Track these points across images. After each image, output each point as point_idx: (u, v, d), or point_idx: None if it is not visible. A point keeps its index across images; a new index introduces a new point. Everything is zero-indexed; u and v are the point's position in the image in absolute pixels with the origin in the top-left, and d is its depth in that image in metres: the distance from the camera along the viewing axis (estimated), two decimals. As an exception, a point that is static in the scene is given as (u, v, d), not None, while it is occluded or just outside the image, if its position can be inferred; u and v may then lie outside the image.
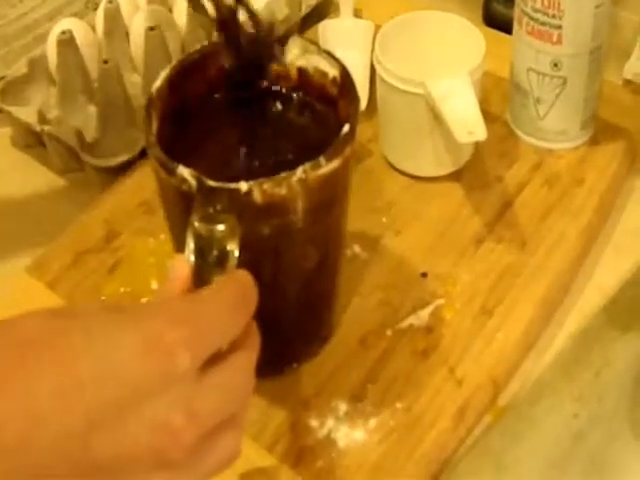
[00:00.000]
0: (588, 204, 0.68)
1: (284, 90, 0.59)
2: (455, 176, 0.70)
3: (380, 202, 0.69)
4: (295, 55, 0.59)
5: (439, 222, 0.67)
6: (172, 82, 0.57)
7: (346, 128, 0.52)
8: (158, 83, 0.56)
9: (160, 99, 0.56)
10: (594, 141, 0.72)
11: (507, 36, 0.75)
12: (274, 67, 0.59)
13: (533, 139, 0.72)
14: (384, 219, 0.68)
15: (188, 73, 0.57)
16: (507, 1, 0.83)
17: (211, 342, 0.42)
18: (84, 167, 0.74)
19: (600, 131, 0.72)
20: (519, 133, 0.73)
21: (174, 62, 0.58)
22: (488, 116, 0.71)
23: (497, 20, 0.85)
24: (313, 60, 0.58)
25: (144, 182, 0.69)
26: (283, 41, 0.59)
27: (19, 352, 0.38)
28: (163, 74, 0.57)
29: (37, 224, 0.73)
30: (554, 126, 0.71)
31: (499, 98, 0.75)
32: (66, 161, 0.76)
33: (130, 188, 0.71)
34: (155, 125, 0.54)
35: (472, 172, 0.70)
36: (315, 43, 0.58)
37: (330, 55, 0.57)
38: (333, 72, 0.57)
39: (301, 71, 0.58)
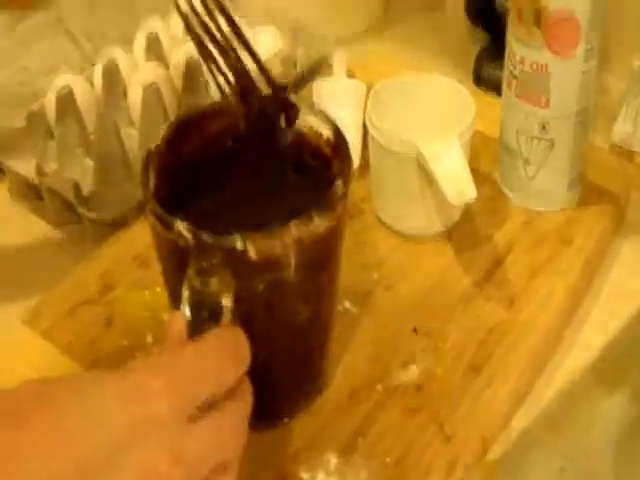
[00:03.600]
0: (576, 264, 0.69)
1: (279, 148, 0.61)
2: (446, 235, 0.71)
3: (371, 259, 0.70)
4: (290, 115, 0.60)
5: (429, 279, 0.68)
6: (170, 139, 0.58)
7: (339, 185, 0.54)
8: (156, 140, 0.57)
9: (158, 155, 0.57)
10: (582, 202, 0.74)
11: (496, 97, 0.77)
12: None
13: (522, 199, 0.73)
14: (375, 275, 0.69)
15: (186, 130, 0.59)
16: (496, 62, 0.85)
17: (194, 391, 0.44)
18: (81, 220, 0.76)
19: (587, 193, 0.74)
20: (508, 193, 0.74)
21: (172, 119, 0.59)
22: (478, 176, 0.73)
23: (487, 80, 0.87)
24: (308, 120, 0.59)
25: (139, 235, 0.70)
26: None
27: (13, 415, 0.40)
28: (161, 131, 0.58)
29: (33, 275, 0.74)
30: (542, 187, 0.72)
31: (488, 158, 0.76)
32: (63, 214, 0.77)
33: (125, 241, 0.72)
34: (152, 180, 0.56)
35: (462, 231, 0.72)
36: (310, 105, 0.60)
37: (324, 116, 0.59)
38: (327, 132, 0.58)
39: (296, 131, 0.60)
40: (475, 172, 0.72)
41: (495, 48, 0.89)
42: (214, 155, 0.60)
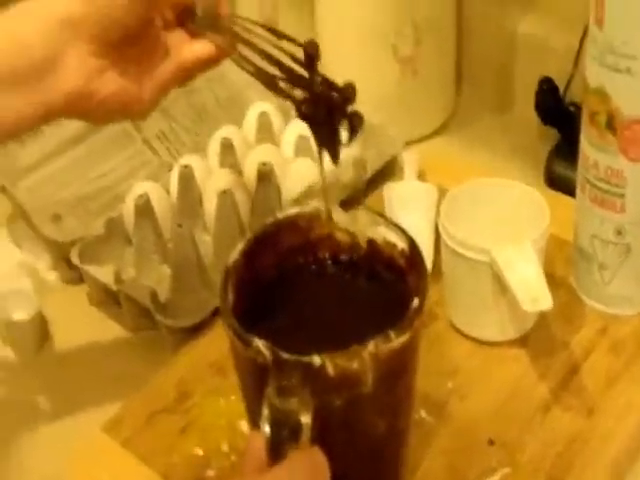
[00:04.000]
0: (654, 370, 0.68)
1: (354, 260, 0.62)
2: (521, 341, 0.71)
3: (446, 366, 0.70)
4: (364, 226, 0.61)
5: (505, 388, 0.68)
6: (247, 254, 0.59)
7: (415, 302, 0.54)
8: (234, 256, 0.58)
9: (236, 271, 0.58)
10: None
11: (570, 198, 0.77)
12: (343, 237, 0.61)
13: (598, 304, 0.73)
14: (450, 384, 0.68)
15: (262, 245, 0.60)
16: (568, 162, 0.85)
17: None
18: (157, 326, 0.77)
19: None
20: (584, 298, 0.74)
21: (249, 235, 0.60)
22: (553, 280, 0.73)
23: (559, 181, 0.87)
24: (382, 231, 0.60)
25: (215, 343, 0.71)
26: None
27: None
28: (239, 247, 0.59)
29: (111, 382, 0.75)
30: (619, 292, 0.72)
31: (563, 261, 0.76)
32: (140, 320, 0.78)
33: (202, 349, 0.73)
34: (231, 296, 0.57)
35: (538, 337, 0.71)
36: (383, 215, 0.61)
37: (398, 227, 0.60)
38: (402, 244, 0.59)
39: (370, 242, 0.61)
40: (550, 276, 0.72)
41: (566, 147, 0.89)
42: (290, 269, 0.61)
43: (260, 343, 0.52)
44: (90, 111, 0.62)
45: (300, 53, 0.60)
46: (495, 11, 0.99)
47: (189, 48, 0.64)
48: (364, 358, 0.51)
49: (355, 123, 0.59)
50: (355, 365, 0.52)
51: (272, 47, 0.60)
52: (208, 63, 0.65)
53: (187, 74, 0.65)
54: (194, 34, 0.65)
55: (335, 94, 0.58)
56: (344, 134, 0.59)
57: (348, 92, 0.59)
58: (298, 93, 0.60)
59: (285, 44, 0.61)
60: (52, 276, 0.85)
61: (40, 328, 0.80)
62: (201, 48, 0.64)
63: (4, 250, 0.86)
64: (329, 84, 0.59)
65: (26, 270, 0.84)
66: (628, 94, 0.64)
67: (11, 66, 0.58)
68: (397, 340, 0.52)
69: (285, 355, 0.51)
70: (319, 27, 0.97)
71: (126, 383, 0.73)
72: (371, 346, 0.52)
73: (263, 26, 0.62)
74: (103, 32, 0.60)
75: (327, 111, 0.59)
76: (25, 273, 0.84)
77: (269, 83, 0.61)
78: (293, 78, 0.59)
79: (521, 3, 0.97)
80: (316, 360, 0.51)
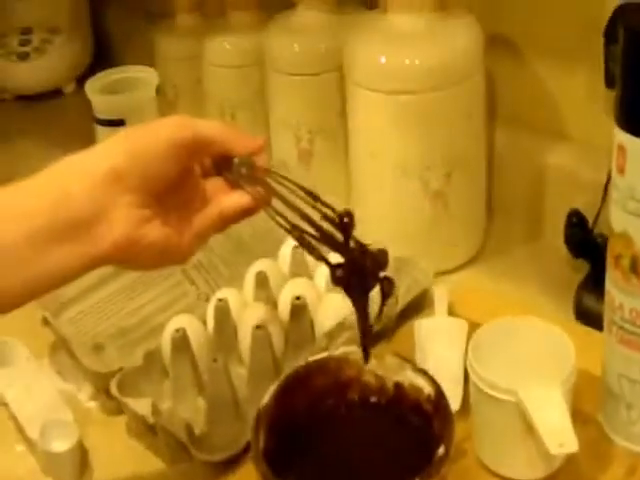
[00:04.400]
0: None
1: (381, 403, 0.63)
2: (549, 478, 0.71)
3: (477, 506, 0.70)
4: (392, 370, 0.63)
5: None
6: (278, 398, 0.61)
7: (441, 450, 0.55)
8: (266, 399, 0.60)
9: (267, 414, 0.60)
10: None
11: (599, 333, 0.78)
12: (371, 380, 0.63)
13: (627, 443, 0.73)
14: (480, 523, 0.69)
15: (293, 389, 0.62)
16: (598, 295, 0.86)
17: None
18: (193, 459, 0.78)
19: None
20: (613, 436, 0.74)
21: (281, 378, 0.62)
22: (580, 416, 0.74)
23: (588, 315, 0.88)
24: (409, 375, 0.62)
25: (247, 477, 0.72)
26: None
27: None
28: (270, 390, 0.61)
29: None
30: (646, 431, 0.72)
31: (592, 397, 0.76)
32: (176, 452, 0.79)
33: (234, 483, 0.75)
34: (262, 440, 0.59)
35: (566, 475, 0.71)
36: (411, 360, 0.63)
37: (425, 372, 0.62)
38: (428, 389, 0.61)
39: (397, 385, 0.63)
40: (578, 412, 0.73)
41: (596, 279, 0.90)
42: (320, 412, 0.63)
43: (289, 488, 0.54)
44: (132, 259, 0.65)
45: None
46: (525, 143, 1.02)
47: (228, 199, 0.67)
48: (391, 506, 0.53)
49: (386, 288, 0.62)
50: (382, 513, 0.53)
51: (306, 204, 0.63)
52: (245, 214, 0.68)
53: (225, 223, 0.68)
54: (231, 183, 0.68)
55: (368, 261, 0.61)
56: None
57: (380, 259, 0.61)
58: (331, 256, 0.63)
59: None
60: (93, 406, 0.87)
61: (80, 458, 0.81)
62: (239, 199, 0.67)
63: (46, 380, 0.89)
64: (363, 250, 0.61)
65: (67, 400, 0.86)
66: (651, 239, 0.66)
67: (59, 221, 0.62)
68: (424, 488, 0.54)
69: (311, 501, 0.53)
70: (351, 160, 1.00)
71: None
72: (399, 495, 0.53)
73: (301, 187, 0.65)
74: (146, 184, 0.64)
75: (360, 277, 0.61)
76: (66, 403, 0.86)
77: (303, 242, 0.63)
78: (327, 240, 0.62)
79: (551, 136, 1.01)
80: (342, 510, 0.52)
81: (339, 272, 0.62)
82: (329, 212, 0.62)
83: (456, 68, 0.92)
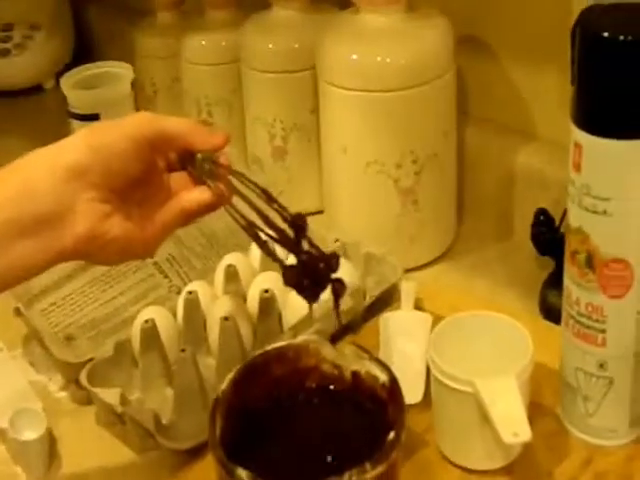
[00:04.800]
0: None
1: (339, 391, 0.65)
2: (507, 470, 0.73)
3: (433, 494, 0.72)
4: (350, 359, 0.64)
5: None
6: (237, 384, 0.62)
7: (392, 435, 0.57)
8: (224, 386, 0.62)
9: (225, 401, 0.61)
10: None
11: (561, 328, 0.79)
12: (330, 369, 0.65)
13: (583, 435, 0.75)
14: (436, 512, 0.70)
15: (252, 376, 0.63)
16: (561, 293, 0.87)
17: None
18: (160, 447, 0.79)
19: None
20: (570, 428, 0.75)
21: (239, 366, 0.63)
22: (539, 409, 0.75)
23: (552, 311, 0.90)
24: (366, 365, 0.63)
25: (212, 466, 0.73)
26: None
27: None
28: (228, 377, 0.62)
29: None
30: (603, 424, 0.73)
31: (551, 391, 0.78)
32: (145, 440, 0.81)
33: (200, 472, 0.75)
34: (219, 425, 0.60)
35: (523, 466, 0.73)
36: (367, 350, 0.64)
37: (380, 362, 0.63)
38: (383, 377, 0.62)
39: (355, 374, 0.64)
40: (538, 406, 0.75)
41: (560, 276, 0.91)
42: (278, 398, 0.64)
43: (243, 473, 0.55)
44: (96, 254, 0.66)
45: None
46: (495, 142, 1.03)
47: (189, 194, 0.68)
48: (341, 490, 0.54)
49: (338, 289, 0.63)
50: (332, 496, 0.54)
51: (265, 205, 0.64)
52: (206, 210, 0.69)
53: (187, 219, 0.69)
54: (194, 178, 0.69)
55: (320, 263, 0.63)
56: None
57: (332, 261, 0.63)
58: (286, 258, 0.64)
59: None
60: (63, 396, 0.88)
61: (49, 447, 0.82)
62: (199, 195, 0.68)
63: (17, 371, 0.90)
64: (315, 255, 0.63)
65: (38, 390, 0.88)
66: (606, 234, 0.68)
67: (23, 215, 0.63)
68: (373, 471, 0.55)
69: (265, 485, 0.54)
70: (323, 157, 1.02)
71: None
72: (347, 477, 0.54)
73: (259, 187, 0.66)
74: (108, 180, 0.65)
75: (311, 279, 0.63)
76: (37, 393, 0.87)
77: (258, 241, 0.65)
78: (282, 240, 0.63)
79: (521, 135, 1.02)
80: (294, 492, 0.54)
81: (290, 274, 0.63)
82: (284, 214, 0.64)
83: (427, 67, 0.93)
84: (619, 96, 0.64)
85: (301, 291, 0.64)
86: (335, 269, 0.63)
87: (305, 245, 0.63)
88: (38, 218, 0.63)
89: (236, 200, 0.67)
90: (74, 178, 0.63)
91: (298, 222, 0.63)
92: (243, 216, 0.65)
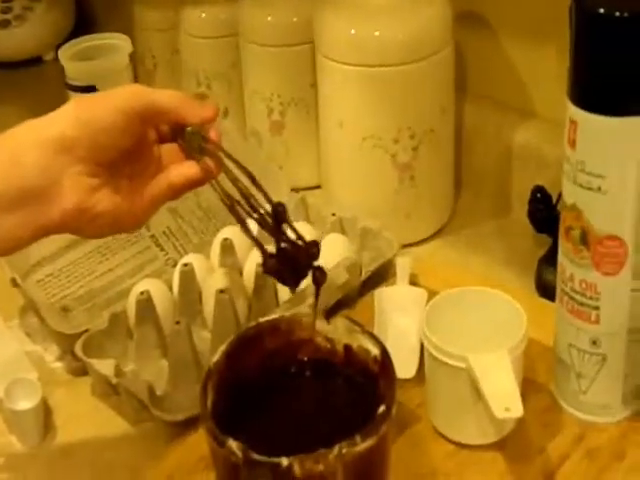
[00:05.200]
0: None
1: (331, 364, 0.65)
2: (500, 445, 0.73)
3: (425, 468, 0.72)
4: (342, 333, 0.64)
5: (481, 493, 0.70)
6: (229, 356, 0.62)
7: (382, 409, 0.57)
8: (216, 357, 0.62)
9: (217, 372, 0.61)
10: (636, 415, 0.75)
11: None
12: (323, 342, 0.65)
13: (576, 411, 0.75)
14: (428, 486, 0.71)
15: (245, 348, 0.63)
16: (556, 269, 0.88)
17: None
18: (155, 418, 0.80)
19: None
20: (563, 404, 0.76)
21: (231, 338, 0.63)
22: (533, 385, 0.76)
23: (548, 288, 0.90)
24: (358, 338, 0.64)
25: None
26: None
27: None
28: (221, 349, 0.63)
29: (110, 472, 0.78)
30: (595, 400, 0.74)
31: (545, 367, 0.78)
32: (139, 412, 0.81)
33: (193, 443, 0.76)
34: (211, 397, 0.60)
35: (515, 441, 0.73)
36: (359, 324, 0.64)
37: (373, 335, 0.63)
38: (375, 351, 0.62)
39: (347, 347, 0.64)
40: (531, 382, 0.75)
41: (556, 253, 0.92)
42: (270, 371, 0.64)
43: (234, 444, 0.55)
44: (83, 227, 0.66)
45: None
46: (493, 119, 1.03)
47: (176, 170, 0.68)
48: (330, 461, 0.54)
49: (318, 277, 0.63)
50: (321, 467, 0.55)
51: (251, 186, 0.64)
52: (193, 185, 0.68)
53: (175, 193, 0.69)
54: (184, 151, 0.68)
55: (301, 251, 0.62)
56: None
57: (312, 250, 0.63)
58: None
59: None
60: (58, 367, 0.89)
61: (44, 417, 0.83)
62: (187, 169, 0.67)
63: (13, 341, 0.90)
64: (295, 244, 0.63)
65: (34, 361, 0.88)
66: (599, 211, 0.68)
67: (10, 189, 0.63)
68: (363, 444, 0.55)
69: (255, 456, 0.54)
70: (321, 130, 1.02)
71: (125, 474, 0.76)
72: (337, 449, 0.55)
73: (243, 168, 0.65)
74: (96, 153, 0.64)
75: (291, 267, 0.63)
76: (33, 364, 0.87)
77: (242, 223, 0.64)
78: (263, 224, 0.63)
79: (519, 112, 1.02)
80: (284, 462, 0.54)
81: (270, 263, 0.63)
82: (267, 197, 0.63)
83: (425, 42, 0.93)
84: (614, 73, 0.63)
85: (281, 279, 0.64)
86: (316, 257, 0.63)
87: (288, 231, 0.63)
88: (25, 191, 0.63)
89: (223, 178, 0.66)
90: (62, 151, 0.63)
91: (277, 208, 0.63)
92: (228, 195, 0.65)
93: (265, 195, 0.63)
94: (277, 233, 0.63)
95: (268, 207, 0.63)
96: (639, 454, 0.71)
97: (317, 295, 0.65)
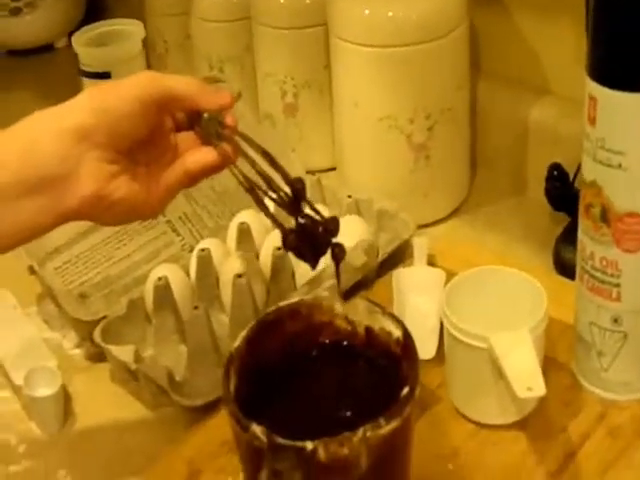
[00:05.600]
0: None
1: (352, 346, 0.65)
2: (521, 424, 0.73)
3: (446, 449, 0.72)
4: (362, 314, 0.64)
5: (503, 471, 0.69)
6: (250, 341, 0.62)
7: (405, 391, 0.57)
8: (237, 343, 0.62)
9: (239, 357, 0.61)
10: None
11: (575, 284, 0.79)
12: (343, 324, 0.65)
13: (597, 389, 0.75)
14: (450, 466, 0.70)
15: (265, 333, 0.63)
16: (576, 248, 0.86)
17: None
18: (174, 404, 0.80)
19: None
20: (584, 383, 0.75)
21: (252, 323, 0.63)
22: (554, 364, 0.75)
23: (566, 266, 0.89)
24: (379, 320, 0.63)
25: (227, 422, 0.74)
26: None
27: None
28: (242, 334, 0.62)
29: (130, 458, 0.78)
30: (617, 378, 0.73)
31: (566, 346, 0.78)
32: (158, 397, 0.81)
33: (214, 428, 0.76)
34: (233, 382, 0.60)
35: (537, 420, 0.73)
36: (380, 305, 0.64)
37: (394, 317, 0.63)
38: (397, 333, 0.62)
39: (368, 330, 0.64)
40: (551, 361, 0.75)
41: (574, 231, 0.91)
42: (291, 355, 0.64)
43: (257, 428, 0.55)
44: (101, 214, 0.66)
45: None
46: (509, 97, 1.02)
47: (192, 157, 0.67)
48: (354, 444, 0.54)
49: (337, 254, 0.63)
50: (346, 450, 0.54)
51: (269, 167, 0.64)
52: (210, 171, 0.68)
53: (192, 180, 0.68)
54: (201, 138, 0.68)
55: (320, 227, 0.62)
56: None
57: (332, 226, 0.62)
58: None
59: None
60: (77, 353, 0.89)
61: (63, 404, 0.83)
62: (204, 156, 0.67)
63: (32, 328, 0.90)
64: (314, 220, 0.62)
65: (52, 348, 0.88)
66: (620, 188, 0.67)
67: (28, 176, 0.62)
68: (387, 427, 0.55)
69: (279, 440, 0.54)
70: (335, 111, 1.01)
71: (144, 459, 0.76)
72: (361, 432, 0.54)
73: (261, 149, 0.65)
74: (113, 141, 0.64)
75: (311, 243, 0.62)
76: (51, 350, 0.87)
77: (261, 204, 0.64)
78: (283, 204, 0.63)
79: (534, 89, 1.01)
80: (308, 445, 0.54)
81: (290, 239, 0.63)
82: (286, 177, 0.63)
83: (440, 21, 0.92)
84: (634, 48, 0.63)
85: (301, 256, 0.63)
86: (335, 234, 0.63)
87: (306, 209, 0.63)
88: (44, 179, 0.63)
89: (240, 161, 0.66)
90: (80, 140, 0.63)
91: (297, 185, 0.62)
92: (247, 178, 0.65)
93: (285, 174, 0.63)
94: (296, 210, 0.62)
95: (287, 189, 0.63)
96: (661, 431, 0.71)
97: (337, 272, 0.65)
